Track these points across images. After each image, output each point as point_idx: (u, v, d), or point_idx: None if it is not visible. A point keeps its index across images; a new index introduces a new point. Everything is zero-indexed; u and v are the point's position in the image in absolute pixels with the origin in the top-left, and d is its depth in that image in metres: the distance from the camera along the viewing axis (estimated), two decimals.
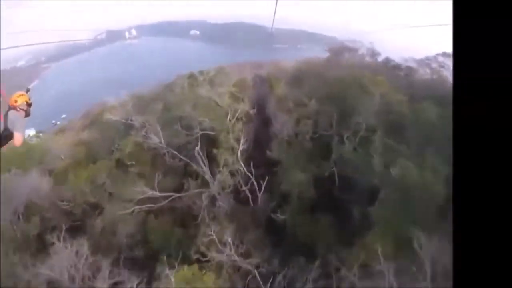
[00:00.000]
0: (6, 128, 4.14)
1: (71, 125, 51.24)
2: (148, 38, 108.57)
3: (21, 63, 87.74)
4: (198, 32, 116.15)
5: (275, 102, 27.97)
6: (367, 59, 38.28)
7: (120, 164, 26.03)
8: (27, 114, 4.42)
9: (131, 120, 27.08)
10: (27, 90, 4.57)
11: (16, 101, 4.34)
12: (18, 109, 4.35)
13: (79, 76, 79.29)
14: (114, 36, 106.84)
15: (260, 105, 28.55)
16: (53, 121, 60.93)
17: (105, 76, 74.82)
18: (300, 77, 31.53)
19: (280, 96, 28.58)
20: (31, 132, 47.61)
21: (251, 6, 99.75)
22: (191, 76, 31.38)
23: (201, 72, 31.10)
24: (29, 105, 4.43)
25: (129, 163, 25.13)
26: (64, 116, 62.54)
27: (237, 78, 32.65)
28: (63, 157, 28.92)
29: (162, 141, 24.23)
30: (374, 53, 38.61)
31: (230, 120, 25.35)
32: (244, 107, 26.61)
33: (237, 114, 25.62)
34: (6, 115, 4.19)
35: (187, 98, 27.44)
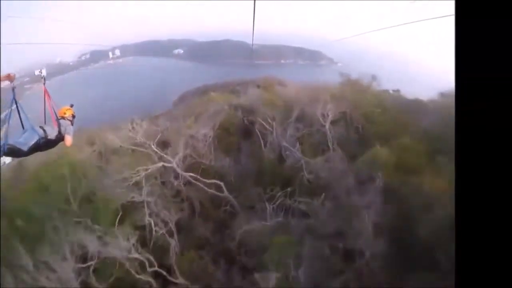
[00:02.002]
0: (59, 132, 5.16)
1: None
2: (132, 58, 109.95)
3: (3, 84, 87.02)
4: (182, 51, 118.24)
5: None
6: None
7: None
8: (72, 124, 5.52)
9: None
10: (71, 105, 5.74)
11: (65, 113, 5.52)
12: (66, 119, 5.46)
13: (63, 98, 79.31)
14: (98, 56, 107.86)
15: None
16: None
17: (89, 97, 75.38)
18: None
19: None
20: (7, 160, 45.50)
21: (236, 23, 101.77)
22: None
23: None
24: (74, 117, 5.63)
25: None
26: None
27: None
28: None
29: None
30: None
31: None
32: None
33: None
34: (58, 122, 5.23)
35: None
